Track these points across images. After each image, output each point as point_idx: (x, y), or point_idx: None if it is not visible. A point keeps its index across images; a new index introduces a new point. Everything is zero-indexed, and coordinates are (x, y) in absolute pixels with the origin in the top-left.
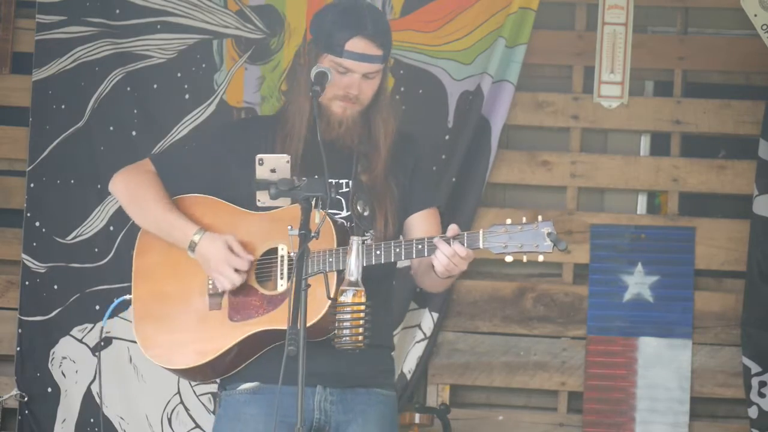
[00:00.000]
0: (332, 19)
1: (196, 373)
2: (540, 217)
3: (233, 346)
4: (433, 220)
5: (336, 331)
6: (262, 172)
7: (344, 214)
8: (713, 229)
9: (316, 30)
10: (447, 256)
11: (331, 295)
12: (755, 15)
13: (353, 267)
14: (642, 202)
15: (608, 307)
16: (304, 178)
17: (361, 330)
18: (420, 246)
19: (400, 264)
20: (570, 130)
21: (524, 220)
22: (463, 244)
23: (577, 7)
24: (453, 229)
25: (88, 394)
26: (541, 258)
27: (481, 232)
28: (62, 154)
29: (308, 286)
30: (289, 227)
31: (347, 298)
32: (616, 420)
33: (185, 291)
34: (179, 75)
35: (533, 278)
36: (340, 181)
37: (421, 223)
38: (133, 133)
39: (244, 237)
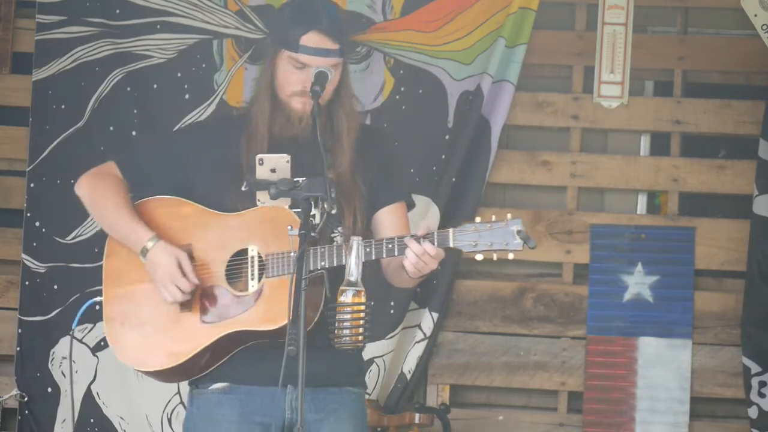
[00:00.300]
0: (287, 16)
1: (168, 375)
2: (509, 215)
3: (206, 347)
4: (401, 214)
5: (336, 331)
6: (262, 172)
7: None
8: (713, 229)
9: (273, 27)
10: (417, 255)
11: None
12: (755, 15)
13: (353, 267)
14: (642, 202)
15: (608, 307)
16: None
17: (361, 330)
18: (390, 245)
19: None
20: (570, 130)
21: (494, 218)
22: (433, 243)
23: (577, 7)
24: (424, 227)
25: (88, 394)
26: (511, 256)
27: (450, 230)
28: (62, 154)
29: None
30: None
31: (347, 298)
32: (616, 420)
33: (155, 292)
34: (179, 75)
35: (533, 278)
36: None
37: (389, 218)
38: (133, 133)
39: (213, 238)
